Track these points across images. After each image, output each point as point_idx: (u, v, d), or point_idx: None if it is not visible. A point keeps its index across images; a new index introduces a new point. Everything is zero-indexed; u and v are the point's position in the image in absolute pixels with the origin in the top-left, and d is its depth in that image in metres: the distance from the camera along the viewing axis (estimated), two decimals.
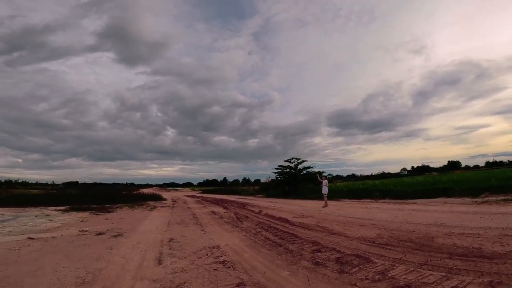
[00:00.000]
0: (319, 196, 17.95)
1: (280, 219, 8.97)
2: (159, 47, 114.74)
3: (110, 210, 13.80)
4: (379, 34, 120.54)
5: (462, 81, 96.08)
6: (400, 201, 13.70)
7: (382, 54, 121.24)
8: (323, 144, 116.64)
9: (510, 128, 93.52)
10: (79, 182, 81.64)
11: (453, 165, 65.24)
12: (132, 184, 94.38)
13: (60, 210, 13.34)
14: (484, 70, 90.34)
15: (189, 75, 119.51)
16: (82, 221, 9.82)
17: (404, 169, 70.75)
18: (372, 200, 15.06)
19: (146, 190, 47.51)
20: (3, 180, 36.32)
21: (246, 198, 24.84)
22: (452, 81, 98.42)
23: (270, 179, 30.16)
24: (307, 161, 25.85)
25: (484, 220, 6.34)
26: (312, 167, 25.64)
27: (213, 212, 12.60)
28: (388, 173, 65.75)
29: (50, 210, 13.13)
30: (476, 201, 10.26)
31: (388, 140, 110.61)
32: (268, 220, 8.90)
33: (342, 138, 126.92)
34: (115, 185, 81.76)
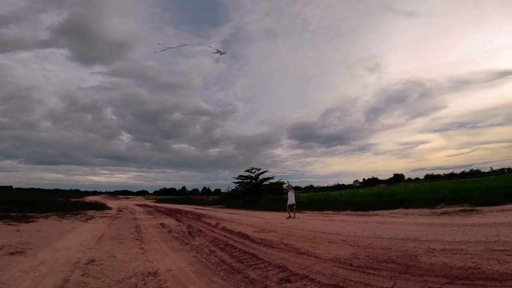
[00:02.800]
0: (281, 208, 17.24)
1: (239, 234, 7.73)
2: (121, 48, 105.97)
3: (31, 219, 11.12)
4: (342, 50, 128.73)
5: (408, 99, 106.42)
6: (361, 212, 13.47)
7: (343, 70, 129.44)
8: (284, 155, 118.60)
9: (447, 145, 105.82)
10: (13, 187, 69.39)
11: (398, 178, 70.91)
12: (77, 190, 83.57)
13: None
14: (427, 90, 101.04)
15: (152, 79, 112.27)
16: None
17: (356, 181, 75.22)
18: (334, 212, 14.66)
19: (92, 198, 42.56)
20: None
21: (203, 209, 23.01)
22: (399, 99, 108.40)
23: (230, 189, 28.73)
24: (268, 171, 25.14)
25: (457, 233, 5.92)
26: (272, 177, 25.02)
27: (162, 224, 10.82)
28: (343, 184, 69.07)
29: None
30: (435, 212, 10.31)
31: (343, 154, 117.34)
32: (225, 236, 7.59)
33: (301, 150, 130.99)
34: (56, 191, 71.60)
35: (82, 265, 4.45)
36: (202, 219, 12.60)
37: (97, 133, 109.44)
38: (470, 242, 5.02)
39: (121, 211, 19.99)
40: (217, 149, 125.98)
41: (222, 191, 38.80)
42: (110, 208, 21.56)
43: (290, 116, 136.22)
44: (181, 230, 8.91)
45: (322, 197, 21.45)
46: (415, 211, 11.56)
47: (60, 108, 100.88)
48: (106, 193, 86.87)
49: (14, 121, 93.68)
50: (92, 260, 4.79)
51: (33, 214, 13.41)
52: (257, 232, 8.17)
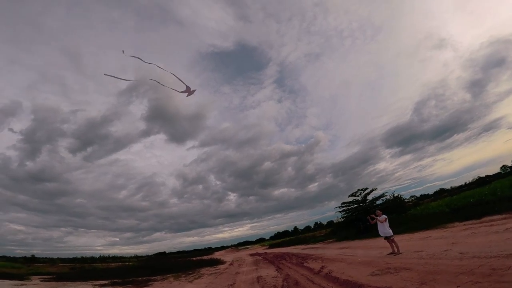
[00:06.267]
0: (408, 228, 13.15)
1: (347, 284, 5.19)
2: (198, 119, 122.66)
3: (149, 283, 11.68)
4: (391, 42, 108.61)
5: (507, 59, 76.26)
6: None
7: (406, 60, 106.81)
8: (390, 167, 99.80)
9: None
10: (166, 252, 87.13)
11: None
12: (210, 248, 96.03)
13: (97, 285, 11.69)
14: None
15: (232, 139, 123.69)
16: None
17: (504, 166, 52.06)
18: (502, 216, 9.80)
19: (218, 253, 48.25)
20: (97, 256, 39.82)
21: (313, 247, 20.23)
22: (497, 61, 78.21)
23: (340, 219, 24.91)
24: (376, 189, 20.65)
25: None
26: (385, 194, 20.51)
27: (258, 278, 9.17)
28: (486, 176, 49.30)
29: (87, 285, 11.59)
30: None
31: (467, 142, 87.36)
32: None
33: (409, 155, 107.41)
34: (194, 251, 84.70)
35: None
36: (305, 263, 10.29)
37: (210, 199, 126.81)
38: None
39: (232, 264, 19.66)
40: (316, 184, 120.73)
41: (334, 222, 34.85)
42: (223, 263, 21.74)
43: (376, 126, 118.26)
44: (275, 285, 6.98)
45: (471, 200, 15.33)
46: None
47: (178, 185, 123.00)
48: (231, 246, 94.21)
49: (152, 204, 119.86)
50: None
51: (156, 277, 14.40)
52: (376, 275, 5.46)
